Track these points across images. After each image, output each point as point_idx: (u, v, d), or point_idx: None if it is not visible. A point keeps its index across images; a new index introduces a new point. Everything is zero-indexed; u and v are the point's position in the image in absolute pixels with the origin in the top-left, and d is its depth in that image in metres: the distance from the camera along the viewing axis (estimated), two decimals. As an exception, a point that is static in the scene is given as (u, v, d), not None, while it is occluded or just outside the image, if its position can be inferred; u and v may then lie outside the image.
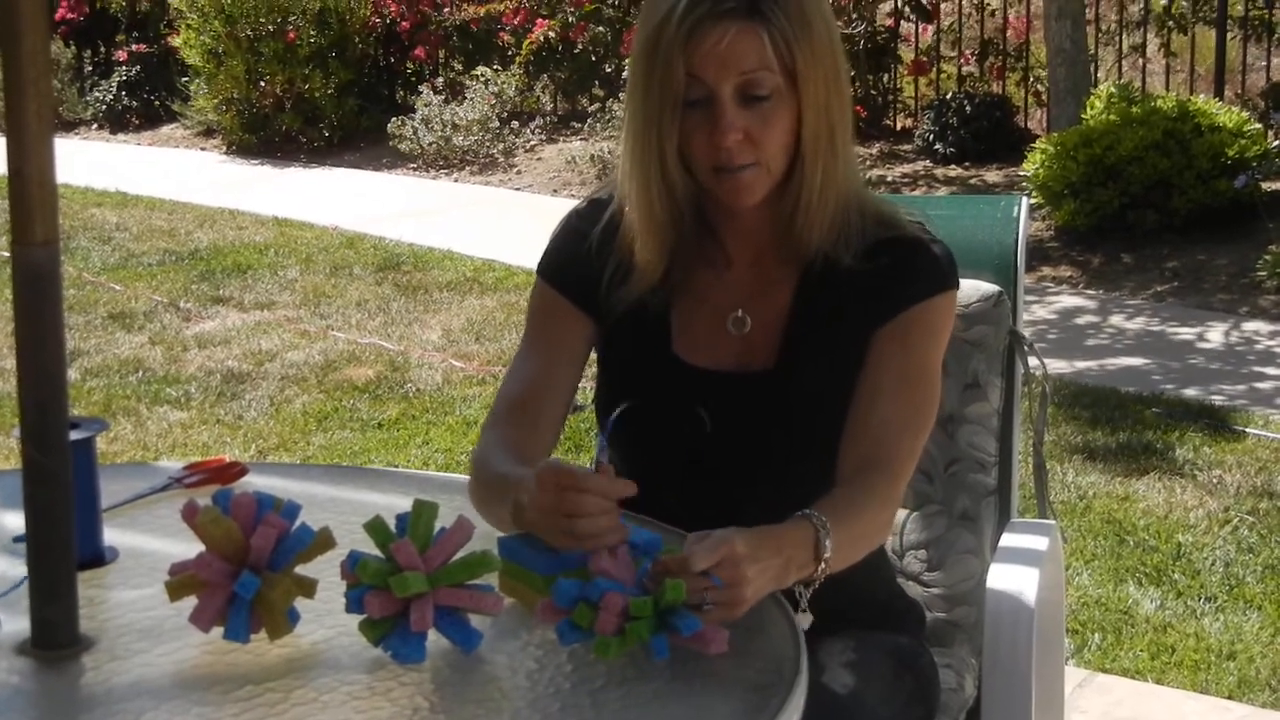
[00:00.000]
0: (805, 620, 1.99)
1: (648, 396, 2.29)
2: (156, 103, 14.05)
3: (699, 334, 2.29)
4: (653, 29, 2.15)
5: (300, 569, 1.82)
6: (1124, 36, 11.18)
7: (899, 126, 11.52)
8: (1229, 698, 4.00)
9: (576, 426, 5.78)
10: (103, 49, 15.00)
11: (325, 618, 1.85)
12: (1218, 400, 6.22)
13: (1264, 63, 10.71)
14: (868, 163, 10.56)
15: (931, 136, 10.59)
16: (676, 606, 1.75)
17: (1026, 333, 2.75)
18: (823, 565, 1.95)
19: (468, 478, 2.25)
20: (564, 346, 2.34)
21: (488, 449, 2.23)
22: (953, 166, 10.38)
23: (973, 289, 2.68)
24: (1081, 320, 7.56)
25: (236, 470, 2.38)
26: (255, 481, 2.35)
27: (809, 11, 2.13)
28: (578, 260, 2.34)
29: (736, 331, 2.28)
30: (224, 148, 13.06)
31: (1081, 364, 6.79)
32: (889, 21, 11.59)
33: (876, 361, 2.21)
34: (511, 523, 1.97)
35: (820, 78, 2.14)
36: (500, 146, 11.78)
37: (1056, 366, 6.58)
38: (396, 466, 5.57)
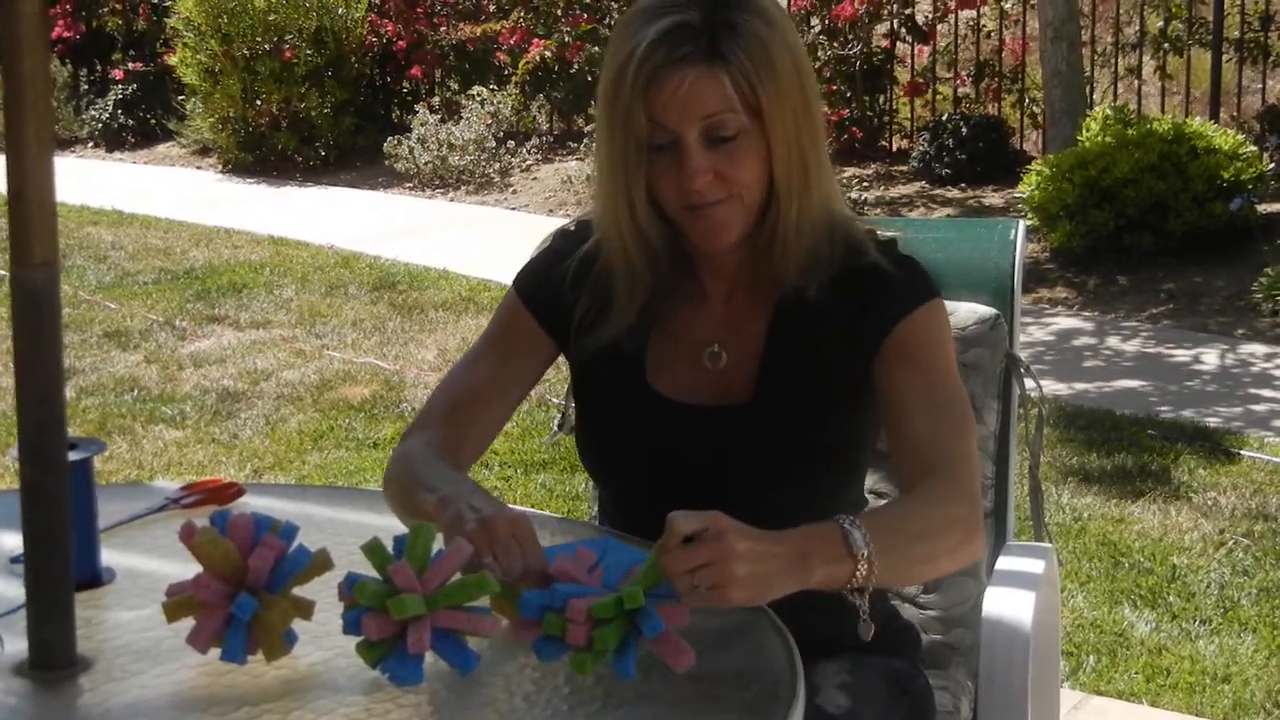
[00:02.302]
0: (867, 630, 1.98)
1: (626, 432, 2.30)
2: (153, 121, 14.05)
3: (676, 369, 2.30)
4: (613, 76, 2.15)
5: (298, 590, 1.83)
6: (1120, 59, 11.20)
7: (895, 148, 11.53)
8: (1224, 720, 4.00)
9: (573, 446, 5.77)
10: (99, 67, 15.00)
11: (323, 639, 1.85)
12: (1213, 422, 6.22)
13: (1259, 85, 10.73)
14: (864, 184, 10.56)
15: (928, 158, 10.60)
16: (640, 609, 1.74)
17: (1022, 354, 2.75)
18: (863, 565, 1.90)
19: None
20: (518, 363, 2.35)
21: (417, 449, 2.22)
22: (949, 188, 10.39)
23: (969, 312, 2.69)
24: (1078, 342, 7.56)
25: (234, 491, 2.37)
26: (252, 502, 2.35)
27: (772, 48, 2.12)
28: (552, 282, 2.35)
29: (713, 366, 2.28)
30: (220, 166, 13.06)
31: (1077, 386, 6.79)
32: (885, 43, 11.61)
33: (889, 387, 2.19)
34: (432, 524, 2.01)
35: (788, 113, 2.13)
36: (496, 166, 11.78)
37: (1053, 388, 6.59)
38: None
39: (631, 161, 2.16)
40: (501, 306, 2.40)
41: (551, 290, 2.34)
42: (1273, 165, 8.80)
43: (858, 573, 1.90)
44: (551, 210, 10.76)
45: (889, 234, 2.31)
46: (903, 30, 11.47)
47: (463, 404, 2.32)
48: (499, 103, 12.21)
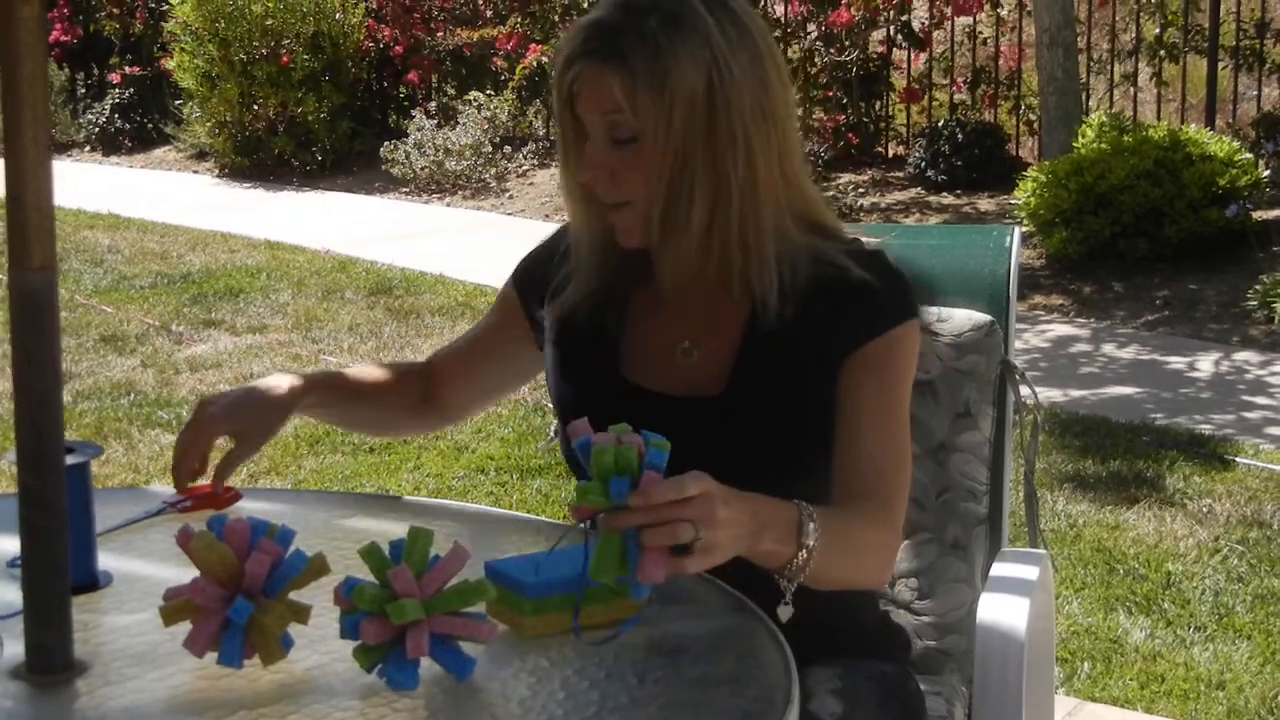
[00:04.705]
0: (786, 613, 1.99)
1: (597, 418, 2.31)
2: (150, 125, 14.07)
3: (649, 359, 2.32)
4: (556, 67, 2.22)
5: (294, 595, 1.83)
6: (1116, 65, 11.21)
7: (891, 154, 11.54)
8: (1218, 727, 4.01)
9: (568, 452, 5.77)
10: (96, 71, 15.01)
11: (318, 644, 1.85)
12: (1208, 430, 6.23)
13: (1255, 92, 10.74)
14: (860, 190, 10.58)
15: (924, 164, 10.61)
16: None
17: (1017, 361, 2.76)
18: (804, 553, 1.95)
19: (460, 504, 2.27)
20: (498, 335, 2.52)
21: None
22: (945, 194, 10.40)
23: (965, 318, 2.69)
24: (1073, 349, 7.57)
25: (230, 495, 2.38)
26: (249, 506, 2.36)
27: (668, 58, 2.11)
28: (538, 266, 2.46)
29: (684, 361, 2.30)
30: (217, 171, 13.07)
31: (1072, 393, 6.80)
32: (881, 49, 11.62)
33: (849, 397, 2.21)
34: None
35: (676, 125, 2.12)
36: (493, 171, 11.79)
37: (1048, 395, 6.59)
38: (387, 491, 5.57)
39: (565, 149, 2.24)
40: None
41: (539, 279, 2.43)
42: (1268, 172, 8.81)
43: (795, 560, 1.96)
44: (548, 215, 10.76)
45: (874, 243, 2.31)
46: (899, 37, 11.48)
47: (450, 353, 2.56)
48: (495, 108, 12.22)
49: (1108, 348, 7.57)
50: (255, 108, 12.58)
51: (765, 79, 2.19)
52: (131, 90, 14.19)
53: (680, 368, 2.30)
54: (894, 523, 2.18)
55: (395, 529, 1.95)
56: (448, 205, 11.44)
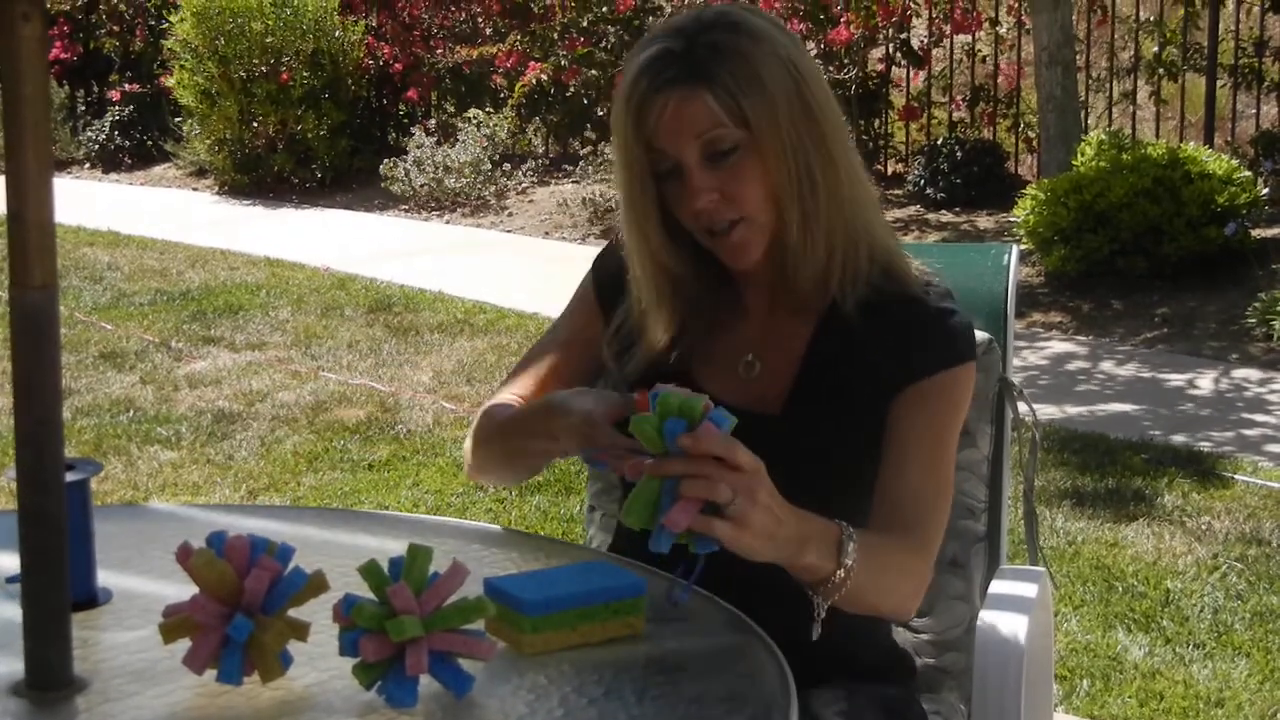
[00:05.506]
0: (815, 630, 2.02)
1: None
2: (149, 143, 14.08)
3: (715, 366, 2.34)
4: (616, 113, 2.21)
5: (293, 612, 1.83)
6: (1115, 84, 11.23)
7: (890, 172, 11.56)
8: (1217, 745, 4.00)
9: (566, 469, 5.78)
10: (96, 89, 15.03)
11: (318, 660, 1.85)
12: (1207, 447, 6.23)
13: (1253, 110, 10.76)
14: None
15: (923, 182, 10.62)
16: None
17: (1016, 379, 2.76)
18: (841, 572, 1.98)
19: (459, 521, 2.28)
20: (582, 332, 2.47)
21: (497, 403, 2.40)
22: (944, 212, 10.41)
23: (963, 336, 2.69)
24: (1071, 366, 7.57)
25: None
26: (247, 524, 2.35)
27: (756, 61, 2.15)
28: (616, 264, 2.43)
29: (746, 375, 2.32)
30: (216, 188, 13.08)
31: (1071, 410, 6.80)
32: (880, 67, 11.64)
33: (900, 427, 2.23)
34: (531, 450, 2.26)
35: (782, 122, 2.15)
36: (492, 189, 11.80)
37: (1046, 412, 6.60)
38: (387, 508, 5.57)
39: (638, 193, 2.22)
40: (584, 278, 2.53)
41: (615, 272, 2.42)
42: (1266, 190, 8.82)
43: (833, 579, 1.99)
44: (547, 233, 10.76)
45: (942, 282, 2.33)
46: (898, 55, 11.50)
47: (536, 361, 2.48)
48: (495, 125, 12.24)
49: (1106, 365, 7.58)
50: (255, 125, 12.59)
51: (823, 85, 2.24)
52: (131, 107, 14.22)
53: (742, 380, 2.32)
54: (929, 555, 2.20)
55: (394, 546, 1.95)
56: (447, 222, 11.45)
